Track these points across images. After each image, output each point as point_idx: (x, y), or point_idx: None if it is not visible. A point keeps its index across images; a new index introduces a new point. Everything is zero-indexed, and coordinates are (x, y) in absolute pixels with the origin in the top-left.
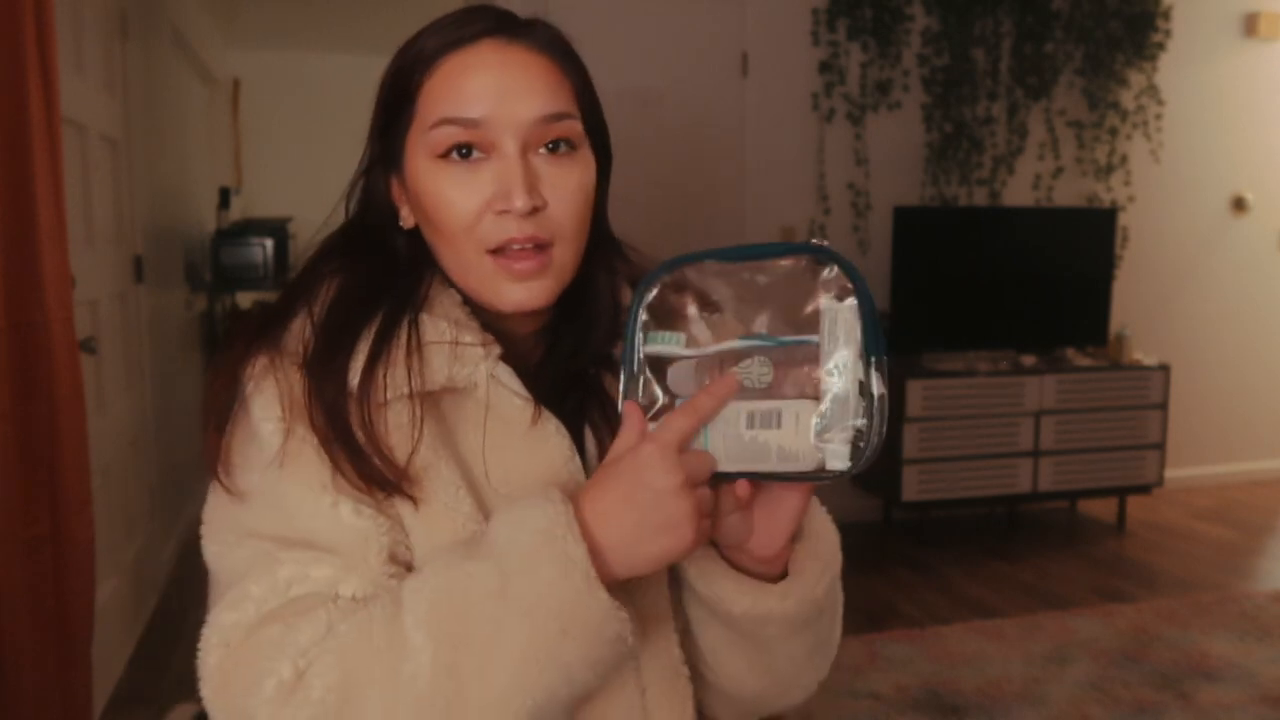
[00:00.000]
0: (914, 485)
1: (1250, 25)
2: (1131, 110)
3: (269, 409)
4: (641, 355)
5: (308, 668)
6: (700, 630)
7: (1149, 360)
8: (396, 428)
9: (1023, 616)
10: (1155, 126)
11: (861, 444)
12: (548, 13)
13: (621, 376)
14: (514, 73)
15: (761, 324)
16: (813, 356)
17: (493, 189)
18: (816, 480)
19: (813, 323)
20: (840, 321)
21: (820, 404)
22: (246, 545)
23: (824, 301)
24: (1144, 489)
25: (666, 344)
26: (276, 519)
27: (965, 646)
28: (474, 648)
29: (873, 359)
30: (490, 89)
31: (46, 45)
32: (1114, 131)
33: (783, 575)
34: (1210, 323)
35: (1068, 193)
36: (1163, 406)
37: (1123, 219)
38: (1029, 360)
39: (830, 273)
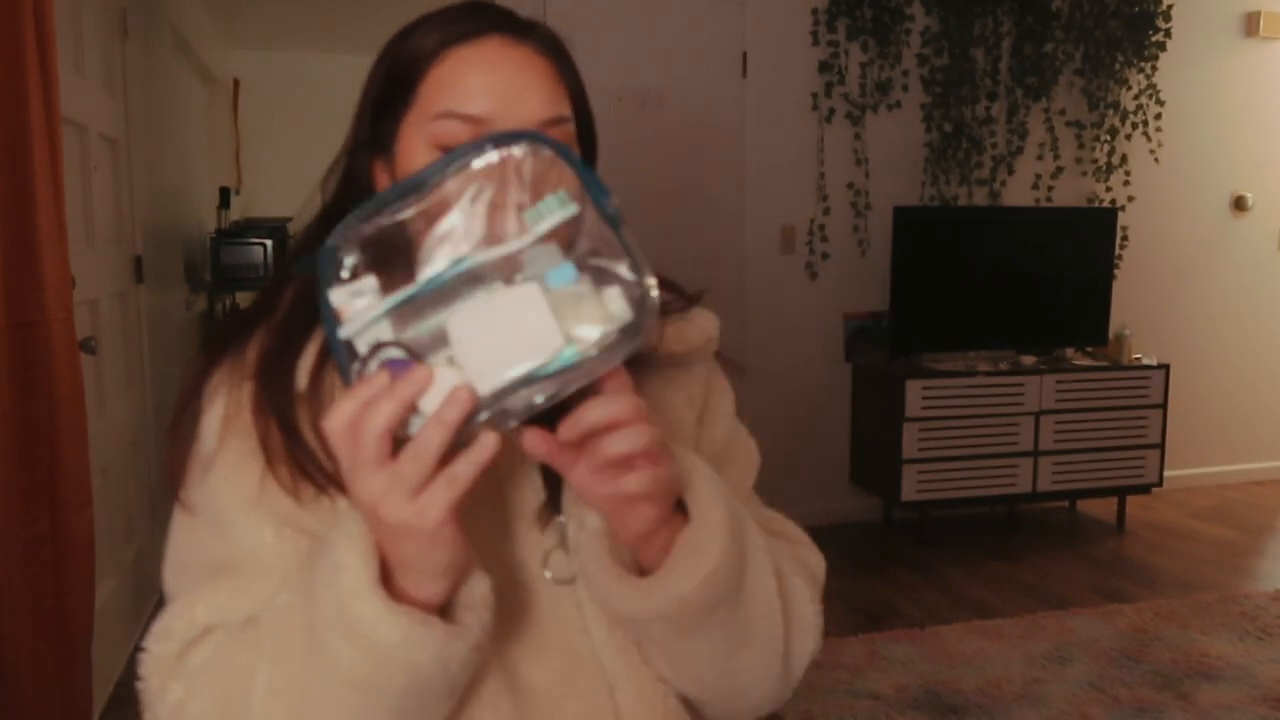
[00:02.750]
0: (914, 485)
1: (1250, 25)
2: (1131, 110)
3: (212, 425)
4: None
5: (187, 693)
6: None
7: (1149, 360)
8: None
9: (1023, 616)
10: (1155, 126)
11: (634, 287)
12: (547, 13)
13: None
14: (520, 72)
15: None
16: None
17: None
18: (589, 367)
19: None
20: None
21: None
22: (184, 574)
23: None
24: (1144, 489)
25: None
26: (211, 538)
27: (965, 646)
28: (278, 662)
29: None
30: (496, 86)
31: (46, 45)
32: (1114, 131)
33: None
34: (1210, 323)
35: (1068, 193)
36: (1163, 406)
37: (1123, 219)
38: (1029, 360)
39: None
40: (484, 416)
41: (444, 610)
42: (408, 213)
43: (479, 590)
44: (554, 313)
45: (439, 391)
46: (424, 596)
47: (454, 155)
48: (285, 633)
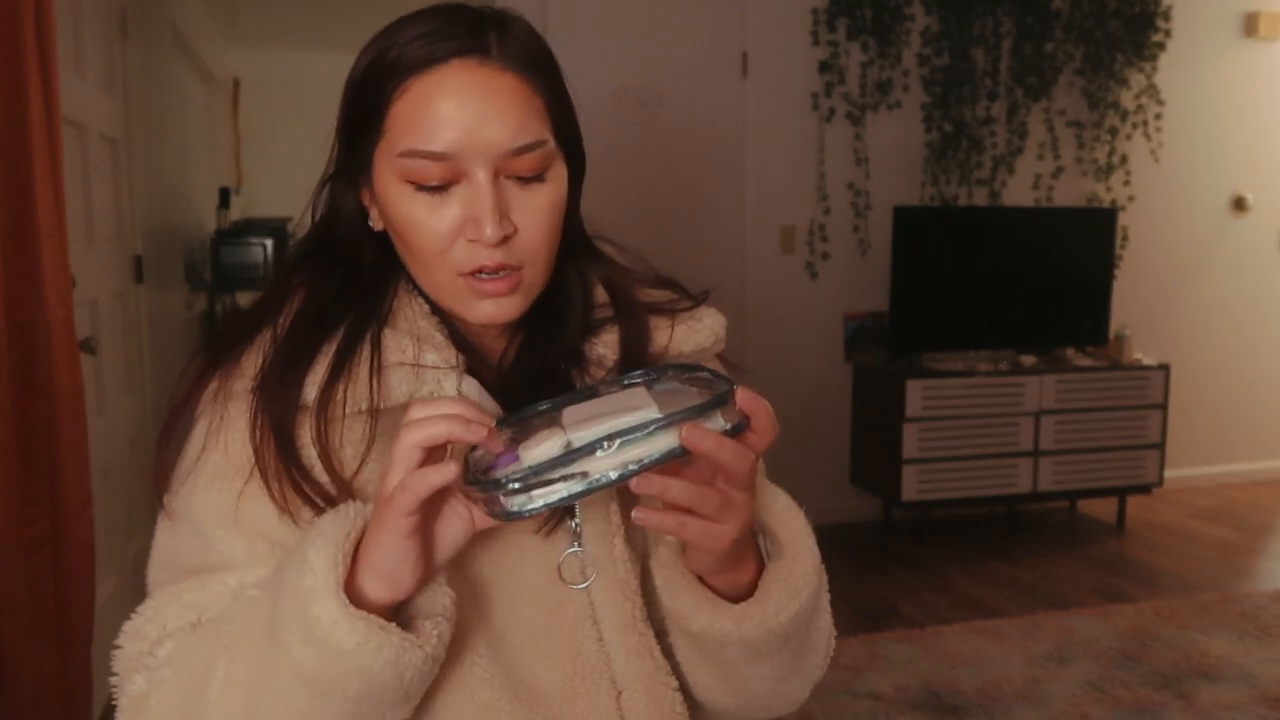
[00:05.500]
0: (914, 485)
1: (1250, 25)
2: (1131, 110)
3: (199, 434)
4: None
5: (149, 684)
6: (672, 640)
7: (1149, 360)
8: (349, 443)
9: (1023, 616)
10: (1155, 126)
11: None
12: (547, 15)
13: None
14: (484, 99)
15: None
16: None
17: (464, 215)
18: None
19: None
20: (633, 395)
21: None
22: (164, 573)
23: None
24: (1144, 489)
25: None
26: (191, 543)
27: (965, 646)
28: (238, 652)
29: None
30: (460, 118)
31: (46, 45)
32: (1114, 131)
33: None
34: (1210, 323)
35: (1068, 193)
36: (1163, 406)
37: (1123, 219)
38: (1029, 360)
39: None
40: (578, 469)
41: (404, 619)
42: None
43: (440, 601)
44: (655, 401)
45: (546, 447)
46: (368, 597)
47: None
48: (248, 624)
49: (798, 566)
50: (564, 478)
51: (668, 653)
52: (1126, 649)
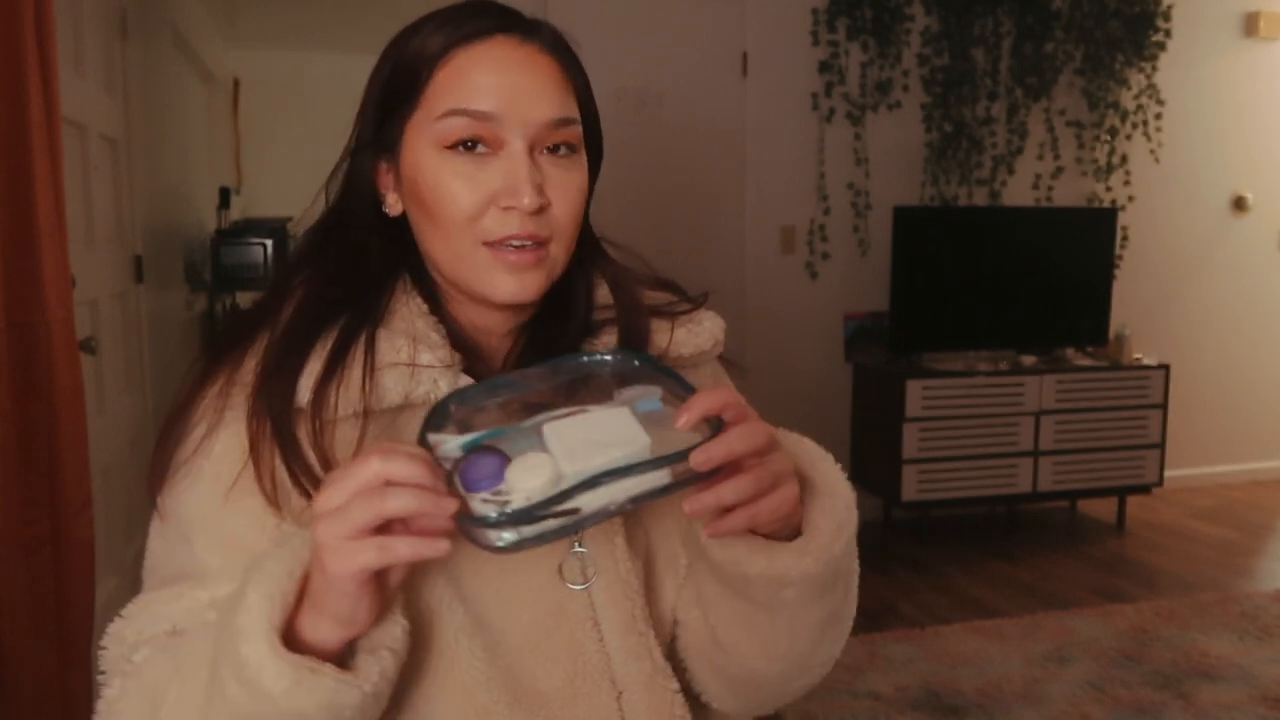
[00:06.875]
0: (914, 485)
1: (1250, 25)
2: (1131, 110)
3: (195, 438)
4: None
5: (121, 690)
6: (717, 611)
7: (1149, 360)
8: (343, 446)
9: (1023, 616)
10: (1155, 126)
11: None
12: (547, 12)
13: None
14: (526, 72)
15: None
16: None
17: (499, 184)
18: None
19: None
20: (617, 417)
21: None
22: (152, 577)
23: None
24: (1144, 489)
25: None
26: (177, 548)
27: (965, 646)
28: (186, 680)
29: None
30: (503, 86)
31: (46, 45)
32: (1114, 131)
33: (796, 537)
34: (1210, 323)
35: (1068, 193)
36: (1163, 406)
37: (1123, 219)
38: (1029, 360)
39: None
40: (568, 506)
41: (349, 651)
42: (504, 397)
43: (390, 633)
44: (641, 426)
45: (538, 484)
46: (318, 640)
47: (562, 360)
48: (199, 650)
49: (838, 500)
50: (555, 514)
51: (669, 654)
52: (1126, 649)
